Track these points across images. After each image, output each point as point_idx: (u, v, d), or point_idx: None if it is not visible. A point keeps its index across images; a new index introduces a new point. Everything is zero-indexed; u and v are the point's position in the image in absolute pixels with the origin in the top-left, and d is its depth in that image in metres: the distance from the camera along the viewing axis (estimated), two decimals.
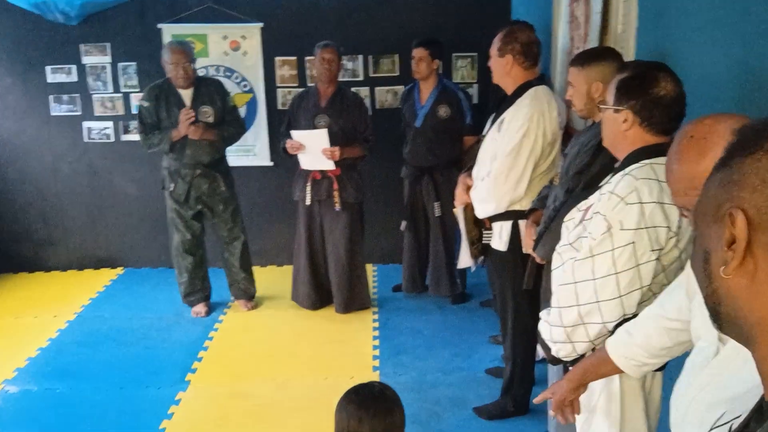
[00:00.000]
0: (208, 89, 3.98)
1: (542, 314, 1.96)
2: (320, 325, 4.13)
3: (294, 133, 3.92)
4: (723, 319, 0.66)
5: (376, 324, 4.09)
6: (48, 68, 4.80)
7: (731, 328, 0.66)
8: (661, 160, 1.69)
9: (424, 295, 4.41)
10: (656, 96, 1.69)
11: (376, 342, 3.86)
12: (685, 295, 1.38)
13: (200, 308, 4.28)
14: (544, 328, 1.90)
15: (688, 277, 1.38)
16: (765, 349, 0.62)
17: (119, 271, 5.12)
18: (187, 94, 3.92)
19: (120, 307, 4.45)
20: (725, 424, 0.77)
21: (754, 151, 0.61)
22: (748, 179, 0.61)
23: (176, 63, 3.82)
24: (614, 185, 1.71)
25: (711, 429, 0.79)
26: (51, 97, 4.86)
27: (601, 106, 1.82)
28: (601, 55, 2.28)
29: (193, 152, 3.93)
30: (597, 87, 2.20)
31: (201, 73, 4.40)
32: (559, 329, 1.80)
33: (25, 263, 5.13)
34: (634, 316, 1.72)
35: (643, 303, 1.73)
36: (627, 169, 1.72)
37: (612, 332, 1.74)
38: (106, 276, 5.02)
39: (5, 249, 5.08)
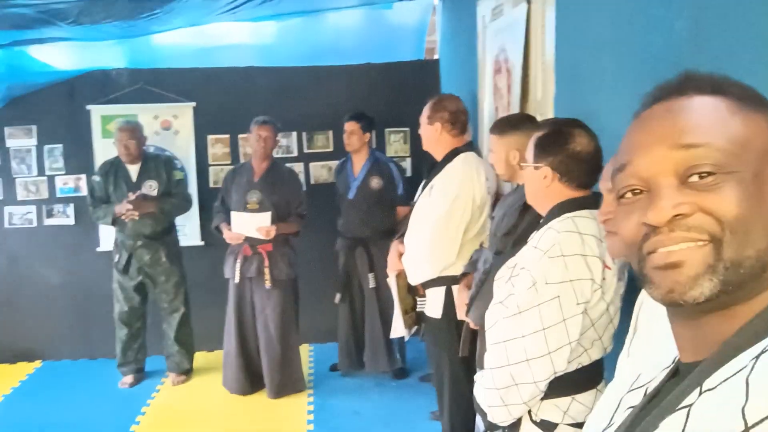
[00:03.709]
0: (156, 164, 4.18)
1: (476, 377, 1.89)
2: (251, 412, 3.87)
3: (234, 215, 3.86)
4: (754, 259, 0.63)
5: (311, 407, 3.87)
6: None
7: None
8: (582, 213, 1.72)
9: (362, 372, 4.24)
10: (573, 151, 1.73)
11: (311, 426, 3.64)
12: None
13: (127, 379, 4.32)
14: (479, 392, 1.83)
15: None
16: None
17: (37, 364, 4.75)
18: (134, 169, 4.14)
19: (36, 404, 4.10)
20: (641, 387, 0.74)
21: None
22: None
23: (120, 140, 4.06)
24: (537, 240, 1.71)
25: (628, 391, 0.76)
26: None
27: (522, 165, 1.84)
28: (517, 124, 2.35)
29: (134, 224, 4.06)
30: (514, 155, 2.28)
31: None
32: (492, 392, 1.74)
33: None
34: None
35: (573, 360, 1.69)
36: (549, 224, 1.73)
37: (544, 392, 1.69)
38: (23, 370, 4.65)
39: None
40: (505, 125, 2.36)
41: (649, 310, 1.30)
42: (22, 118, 4.65)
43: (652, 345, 0.95)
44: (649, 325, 1.27)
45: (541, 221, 1.80)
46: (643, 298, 1.41)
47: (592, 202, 1.76)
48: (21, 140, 4.67)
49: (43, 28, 3.87)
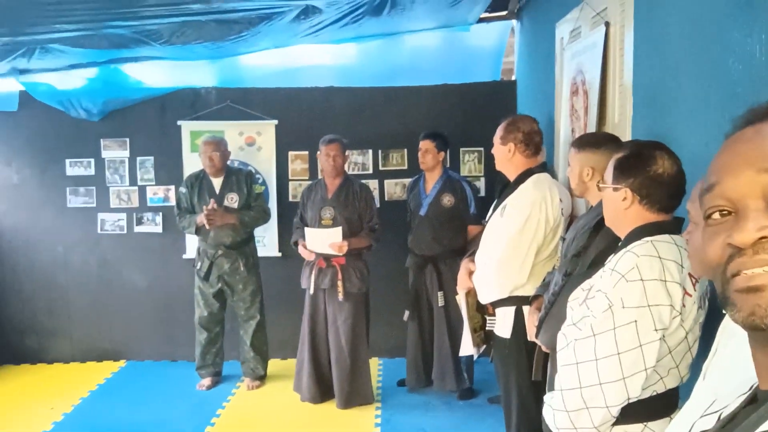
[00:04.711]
0: (237, 178, 4.41)
1: (546, 398, 1.88)
2: (321, 420, 3.97)
3: (308, 231, 4.01)
4: None
5: (378, 420, 3.92)
6: (67, 161, 4.97)
7: None
8: (663, 237, 1.68)
9: (429, 390, 4.25)
10: (654, 174, 1.70)
11: None
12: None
13: (205, 382, 4.52)
14: (548, 413, 1.82)
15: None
16: None
17: (121, 363, 5.04)
18: (217, 182, 4.38)
19: (118, 401, 4.35)
20: (715, 412, 0.73)
21: None
22: None
23: (204, 152, 4.32)
24: (615, 262, 1.68)
25: (701, 416, 0.75)
26: (68, 189, 5.00)
27: (601, 185, 1.83)
28: (599, 142, 2.31)
29: (216, 234, 4.28)
30: (588, 172, 2.26)
31: None
32: (562, 414, 1.72)
33: (29, 355, 5.08)
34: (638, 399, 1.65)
35: (649, 387, 1.66)
36: (628, 247, 1.70)
37: (616, 417, 1.67)
38: (108, 369, 4.94)
39: (9, 340, 5.05)
40: (585, 141, 2.34)
41: (730, 335, 1.28)
42: (117, 131, 4.98)
43: (731, 371, 0.91)
44: (728, 350, 1.25)
45: (620, 244, 1.78)
46: (727, 322, 1.38)
47: (674, 226, 1.72)
48: (115, 152, 5.00)
49: (138, 47, 4.16)
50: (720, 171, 0.69)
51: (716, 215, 0.68)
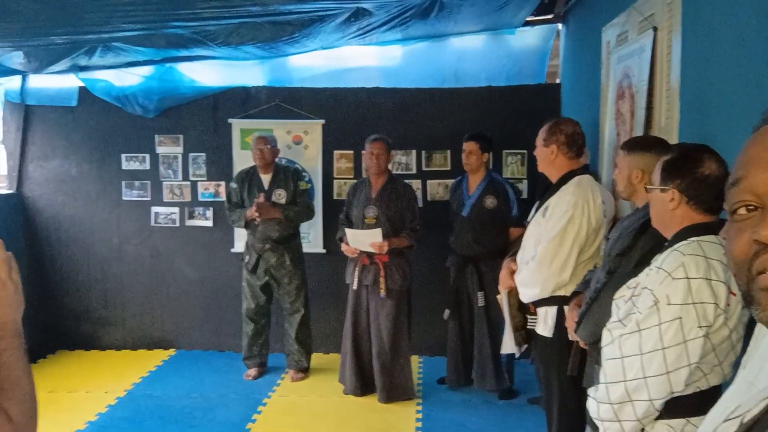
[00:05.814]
0: (285, 174, 4.55)
1: (590, 391, 1.93)
2: (362, 413, 4.06)
3: (348, 231, 4.11)
4: None
5: (419, 416, 4.00)
6: (123, 156, 5.19)
7: None
8: (709, 237, 1.72)
9: (470, 388, 4.31)
10: (701, 175, 1.74)
11: None
12: None
13: (252, 372, 4.65)
14: (591, 405, 1.87)
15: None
16: None
17: (171, 352, 5.23)
18: (266, 179, 4.52)
19: (169, 387, 4.53)
20: (737, 417, 0.72)
21: None
22: None
23: (256, 145, 4.48)
24: (661, 261, 1.73)
25: (724, 421, 0.73)
26: (123, 183, 5.21)
27: (648, 187, 1.88)
28: (649, 145, 2.33)
29: (264, 228, 4.42)
30: (637, 174, 2.27)
31: None
32: (606, 406, 1.77)
33: (83, 341, 5.31)
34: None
35: (693, 383, 1.71)
36: (675, 246, 1.74)
37: (659, 411, 1.71)
38: (158, 356, 5.13)
39: (66, 327, 5.29)
40: (635, 144, 2.37)
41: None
42: (171, 128, 5.17)
43: (759, 372, 0.88)
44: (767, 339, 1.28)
45: (666, 244, 1.82)
46: None
47: (720, 227, 1.74)
48: (169, 148, 5.19)
49: (194, 47, 4.32)
50: (746, 164, 0.66)
51: (742, 210, 0.66)
